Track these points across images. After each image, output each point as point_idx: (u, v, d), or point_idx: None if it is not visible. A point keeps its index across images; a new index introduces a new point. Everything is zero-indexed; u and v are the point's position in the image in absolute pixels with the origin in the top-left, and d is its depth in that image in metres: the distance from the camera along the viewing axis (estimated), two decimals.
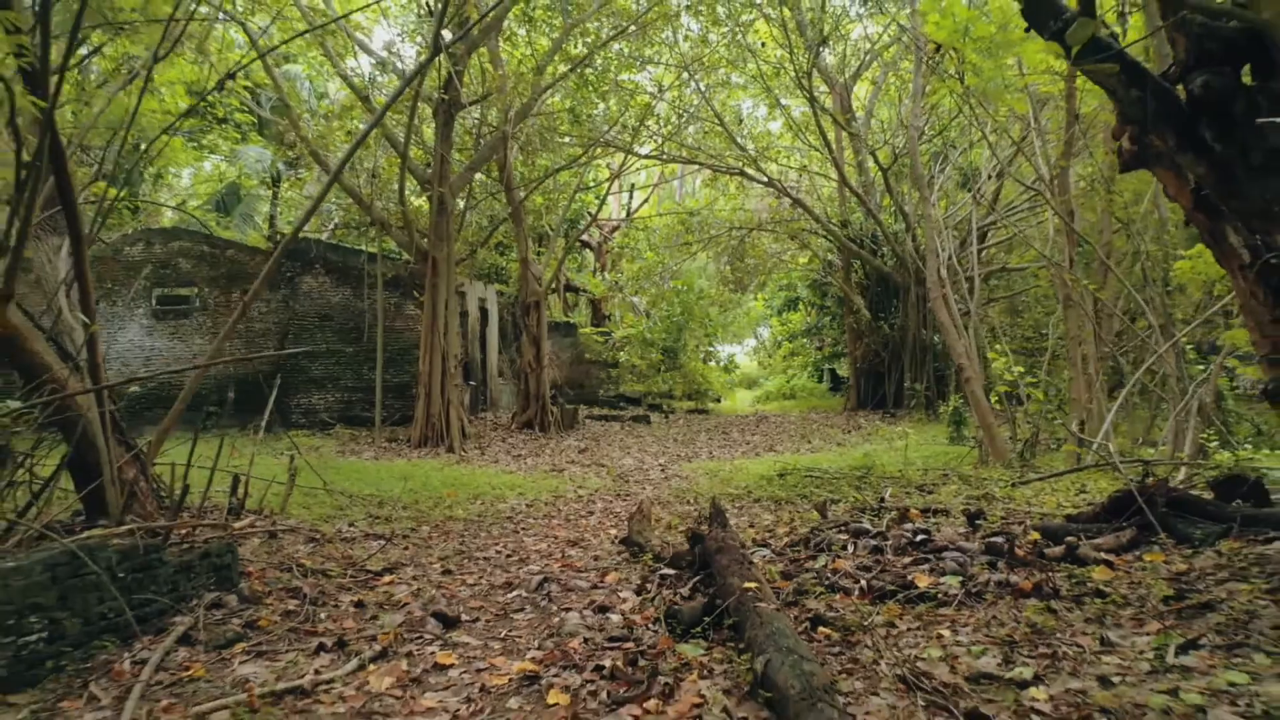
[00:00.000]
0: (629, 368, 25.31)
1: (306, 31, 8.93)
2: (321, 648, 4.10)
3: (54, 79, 3.91)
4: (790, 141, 20.89)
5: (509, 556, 6.13)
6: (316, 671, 3.79)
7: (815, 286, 25.78)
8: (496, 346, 19.40)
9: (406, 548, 6.33)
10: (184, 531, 5.06)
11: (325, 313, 15.40)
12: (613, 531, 6.89)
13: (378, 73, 12.78)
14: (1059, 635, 3.87)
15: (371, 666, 3.88)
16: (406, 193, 13.11)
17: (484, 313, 18.73)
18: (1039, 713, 3.11)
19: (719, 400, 28.11)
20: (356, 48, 14.38)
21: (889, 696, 3.34)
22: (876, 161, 18.36)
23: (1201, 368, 8.56)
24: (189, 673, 3.76)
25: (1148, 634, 3.80)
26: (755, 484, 8.97)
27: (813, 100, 16.40)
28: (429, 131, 14.61)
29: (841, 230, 20.67)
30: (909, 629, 4.10)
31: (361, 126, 15.40)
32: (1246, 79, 5.16)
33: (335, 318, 15.45)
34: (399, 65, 12.58)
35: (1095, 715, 3.06)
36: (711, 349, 28.59)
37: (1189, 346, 8.84)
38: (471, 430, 14.39)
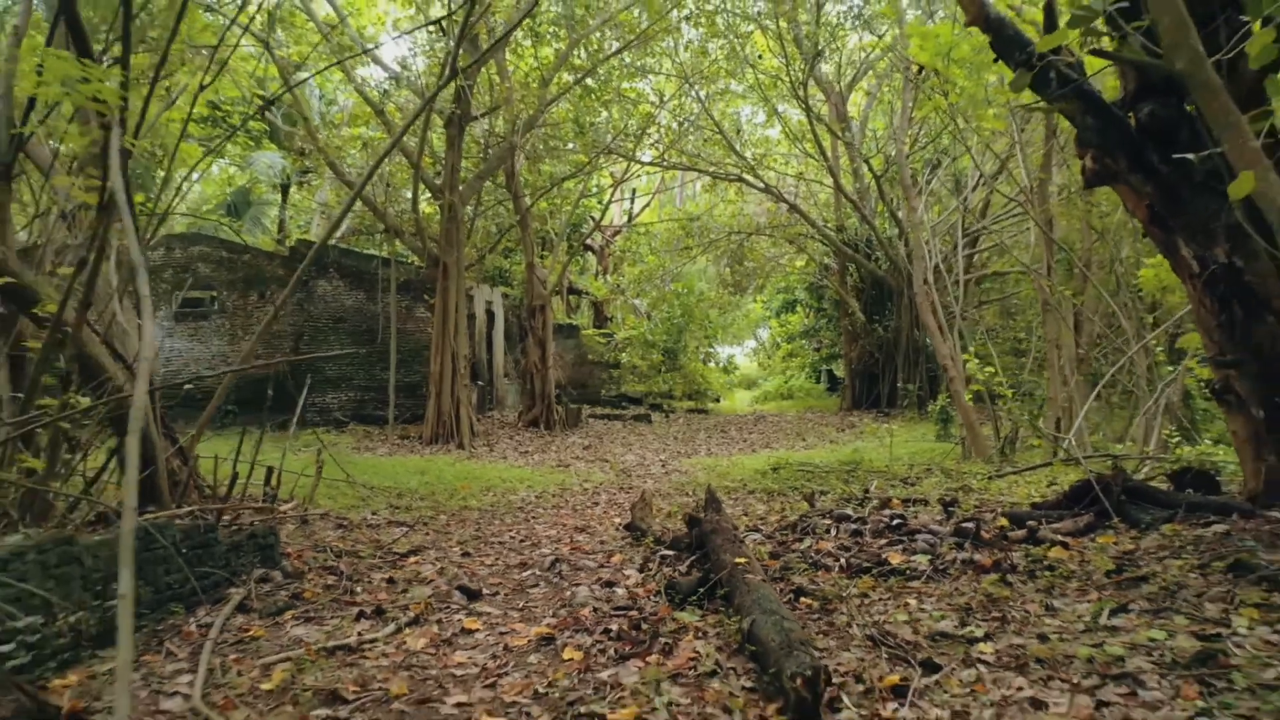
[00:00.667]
0: (630, 368, 25.89)
1: (338, 61, 9.47)
2: (362, 614, 4.64)
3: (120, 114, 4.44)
4: (788, 148, 21.45)
5: (522, 541, 6.67)
6: (360, 634, 4.33)
7: (812, 289, 26.34)
8: (502, 348, 19.96)
9: (427, 534, 6.88)
10: (230, 515, 5.60)
11: (339, 315, 15.98)
12: (617, 520, 7.43)
13: (390, 86, 13.35)
14: (1010, 603, 4.41)
15: (407, 630, 4.42)
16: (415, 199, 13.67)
17: (490, 315, 19.29)
18: (983, 662, 3.66)
19: (718, 400, 28.69)
20: (369, 57, 14.94)
21: (858, 651, 3.88)
22: (870, 169, 18.91)
23: (1171, 369, 9.09)
24: (249, 633, 4.31)
25: (1088, 602, 4.33)
26: (750, 478, 9.52)
27: (808, 111, 16.95)
28: (437, 139, 15.16)
29: (837, 235, 21.22)
30: (880, 599, 4.63)
31: (370, 132, 16.03)
32: (1191, 107, 5.72)
33: (349, 320, 16.03)
34: (412, 79, 13.15)
35: (1030, 663, 3.60)
36: (711, 350, 29.15)
37: (1159, 350, 9.37)
38: (480, 428, 14.95)
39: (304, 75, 10.74)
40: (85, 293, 4.46)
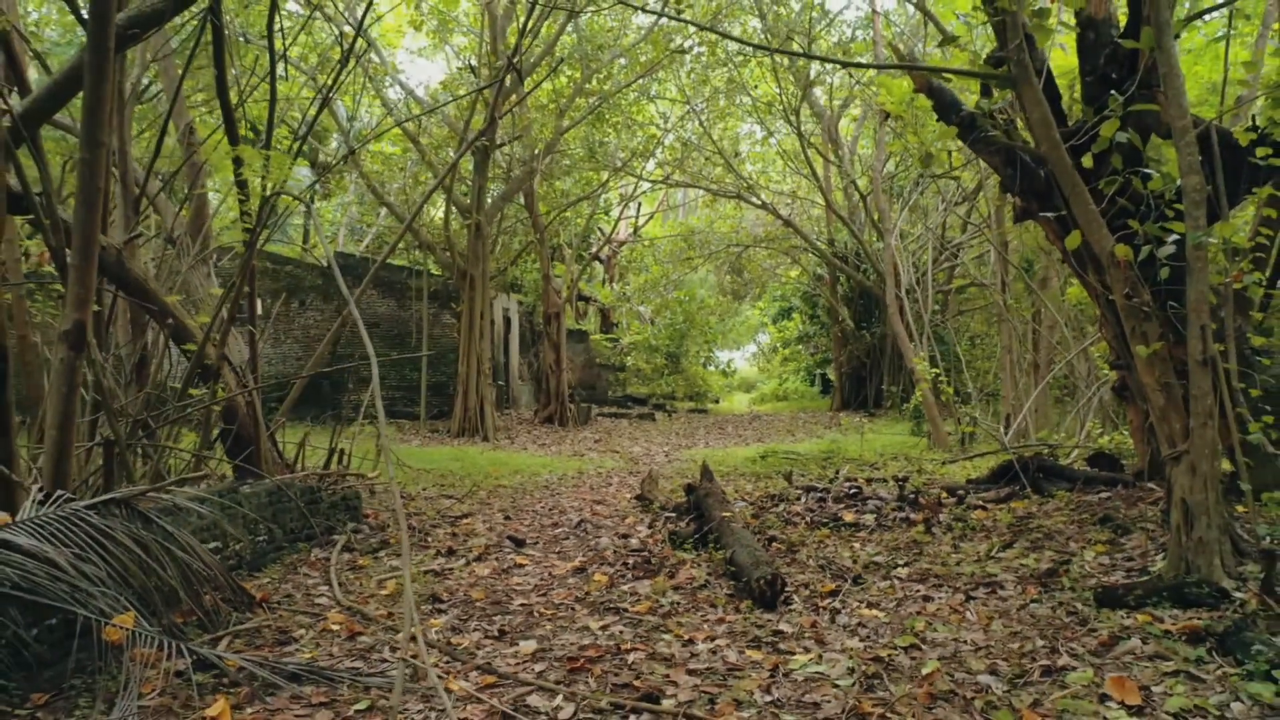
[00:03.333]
0: (635, 371, 27.43)
1: (398, 124, 10.92)
2: (438, 553, 6.09)
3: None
4: (782, 167, 22.93)
5: (551, 510, 8.12)
6: (440, 565, 5.78)
7: (806, 298, 27.81)
8: (517, 351, 21.44)
9: (473, 504, 8.32)
10: (331, 481, 7.05)
11: (373, 321, 17.47)
12: (628, 495, 8.88)
13: (425, 117, 14.85)
14: (929, 546, 5.85)
15: (474, 564, 5.86)
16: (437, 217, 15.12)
17: (507, 321, 20.77)
18: (898, 578, 5.09)
19: (717, 401, 30.17)
20: (395, 78, 16.48)
21: (811, 574, 5.32)
22: (857, 188, 20.39)
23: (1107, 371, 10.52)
24: (357, 564, 5.76)
25: (986, 544, 5.78)
26: (741, 464, 10.95)
27: (801, 136, 18.44)
28: (464, 163, 16.65)
29: (828, 248, 22.69)
30: (833, 544, 6.07)
31: (392, 148, 17.62)
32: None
33: (381, 326, 17.52)
34: (444, 112, 14.64)
35: (930, 578, 5.04)
36: (711, 354, 30.65)
37: (1098, 356, 10.79)
38: (500, 424, 16.41)
39: (369, 138, 12.18)
40: (231, 313, 5.91)
